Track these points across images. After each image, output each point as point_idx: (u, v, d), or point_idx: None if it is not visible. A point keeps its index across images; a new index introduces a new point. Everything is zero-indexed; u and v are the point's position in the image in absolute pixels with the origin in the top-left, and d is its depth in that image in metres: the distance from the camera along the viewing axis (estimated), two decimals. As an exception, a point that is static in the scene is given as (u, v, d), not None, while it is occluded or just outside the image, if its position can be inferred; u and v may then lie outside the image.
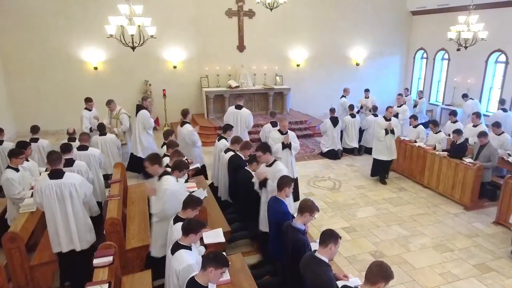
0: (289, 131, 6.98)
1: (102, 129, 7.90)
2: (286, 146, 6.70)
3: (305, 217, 3.86)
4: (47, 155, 4.69)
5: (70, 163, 5.38)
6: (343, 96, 11.40)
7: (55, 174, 4.55)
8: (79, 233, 4.71)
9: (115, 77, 12.18)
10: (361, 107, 11.33)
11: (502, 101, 10.20)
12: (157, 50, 12.36)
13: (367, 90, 11.55)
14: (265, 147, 5.36)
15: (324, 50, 14.26)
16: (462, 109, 11.15)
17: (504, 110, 9.81)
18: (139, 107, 8.44)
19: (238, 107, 8.77)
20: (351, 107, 10.37)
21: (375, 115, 10.05)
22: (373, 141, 8.66)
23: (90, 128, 8.48)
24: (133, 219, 5.60)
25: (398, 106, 10.80)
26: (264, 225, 5.17)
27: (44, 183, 4.51)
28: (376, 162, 8.49)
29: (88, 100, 8.77)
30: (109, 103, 8.68)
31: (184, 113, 7.69)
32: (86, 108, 8.71)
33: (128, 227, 5.38)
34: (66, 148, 5.47)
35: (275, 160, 5.36)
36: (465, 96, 11.05)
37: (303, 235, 3.88)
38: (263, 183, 5.06)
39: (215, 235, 4.38)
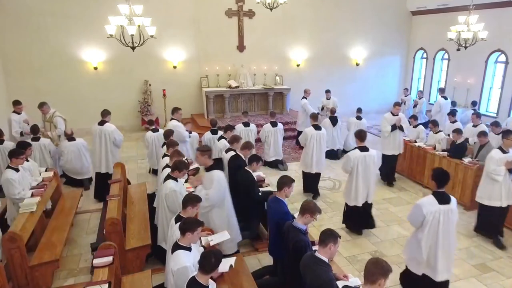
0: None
1: (35, 133, 7.44)
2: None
3: (306, 218, 3.86)
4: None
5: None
6: (303, 97, 10.76)
7: (101, 123, 7.41)
8: (113, 161, 7.39)
9: (115, 77, 12.18)
10: (322, 108, 10.96)
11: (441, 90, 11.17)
12: (157, 50, 12.36)
13: (328, 91, 11.20)
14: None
15: (324, 50, 14.26)
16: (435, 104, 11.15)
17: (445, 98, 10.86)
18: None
19: (246, 124, 8.88)
20: (314, 116, 8.30)
21: (334, 118, 9.78)
22: (381, 138, 8.57)
23: (21, 132, 8.03)
24: (133, 219, 5.61)
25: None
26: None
27: (94, 127, 7.44)
28: (384, 158, 8.35)
29: (16, 103, 8.22)
30: (41, 105, 8.24)
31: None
32: (14, 111, 8.16)
33: (128, 227, 5.39)
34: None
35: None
36: (441, 91, 11.18)
37: (304, 235, 3.89)
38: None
39: (220, 236, 4.37)
